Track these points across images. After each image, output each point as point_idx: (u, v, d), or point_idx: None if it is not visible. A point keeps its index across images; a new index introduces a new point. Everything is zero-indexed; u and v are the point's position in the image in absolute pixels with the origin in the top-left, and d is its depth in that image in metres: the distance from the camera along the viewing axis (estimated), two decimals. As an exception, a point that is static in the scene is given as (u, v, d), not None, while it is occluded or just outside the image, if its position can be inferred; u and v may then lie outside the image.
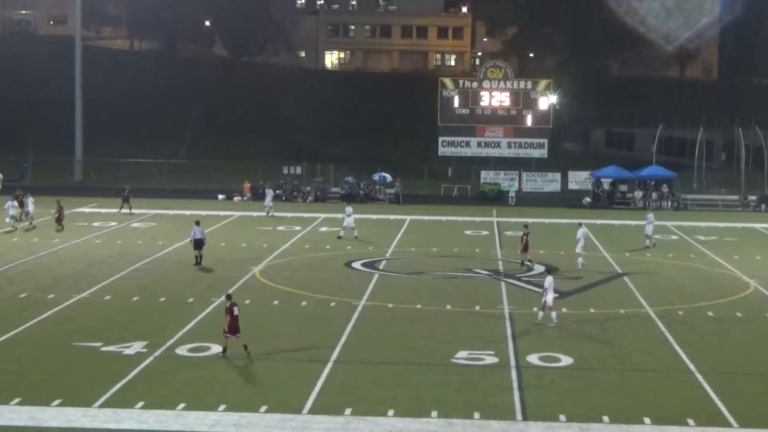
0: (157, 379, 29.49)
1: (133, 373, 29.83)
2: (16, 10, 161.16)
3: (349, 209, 59.39)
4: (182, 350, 32.50)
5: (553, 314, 37.25)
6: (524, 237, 50.90)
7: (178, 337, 34.02)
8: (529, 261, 50.11)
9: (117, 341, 33.26)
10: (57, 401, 26.97)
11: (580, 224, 52.07)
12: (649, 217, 57.46)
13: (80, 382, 28.88)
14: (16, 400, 26.97)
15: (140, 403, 26.94)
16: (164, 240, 56.32)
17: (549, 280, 37.47)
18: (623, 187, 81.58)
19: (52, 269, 47.10)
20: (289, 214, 69.39)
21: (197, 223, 49.95)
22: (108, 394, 27.72)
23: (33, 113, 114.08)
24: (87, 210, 69.88)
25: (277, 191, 79.58)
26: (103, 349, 32.50)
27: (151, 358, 31.50)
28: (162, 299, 40.51)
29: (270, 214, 68.25)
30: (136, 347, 32.56)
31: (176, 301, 40.19)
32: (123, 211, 67.37)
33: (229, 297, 32.92)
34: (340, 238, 57.94)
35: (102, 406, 26.84)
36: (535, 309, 38.51)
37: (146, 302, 40.11)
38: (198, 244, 48.92)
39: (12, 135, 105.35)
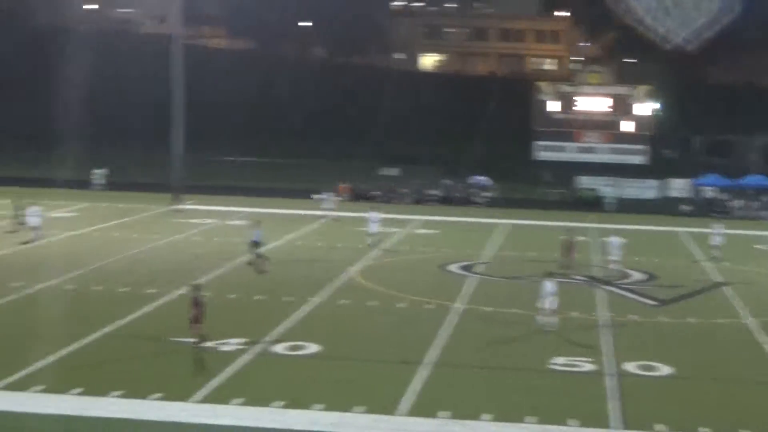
0: (253, 377, 29.68)
1: (230, 370, 30.07)
2: (118, 9, 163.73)
3: (374, 215, 56.82)
4: (279, 348, 32.68)
5: (552, 320, 36.69)
6: (569, 244, 50.09)
7: (275, 335, 34.22)
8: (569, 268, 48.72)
9: (214, 337, 33.53)
10: (156, 395, 27.27)
11: (611, 235, 51.68)
12: (716, 228, 55.85)
13: (178, 377, 29.18)
14: (117, 392, 27.32)
15: (237, 400, 27.10)
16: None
17: (549, 285, 36.82)
18: (724, 196, 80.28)
19: (150, 265, 47.71)
20: (386, 216, 69.37)
21: (256, 224, 49.96)
22: (205, 390, 27.95)
23: (133, 111, 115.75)
24: (186, 207, 70.67)
25: (376, 192, 79.61)
26: (201, 344, 32.80)
27: (248, 355, 31.72)
28: (258, 297, 40.77)
29: (330, 216, 66.93)
30: (234, 344, 32.79)
31: (273, 299, 40.43)
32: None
33: (196, 288, 33.26)
34: (369, 245, 55.53)
35: (199, 401, 27.07)
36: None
37: (243, 299, 40.43)
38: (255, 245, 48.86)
39: (113, 132, 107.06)
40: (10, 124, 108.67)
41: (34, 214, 53.38)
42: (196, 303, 32.33)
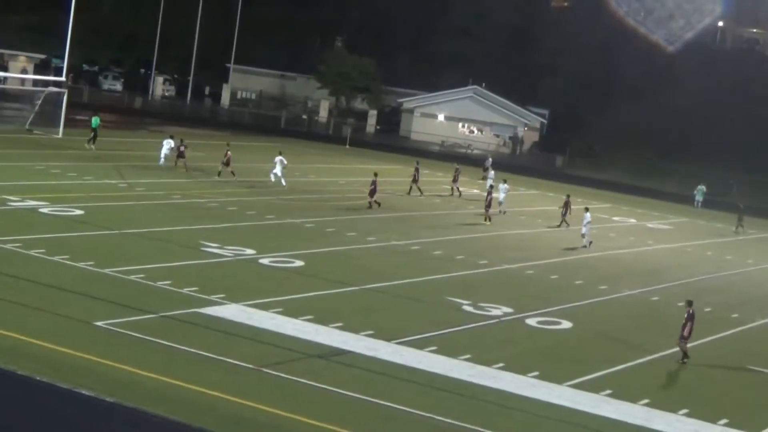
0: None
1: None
2: (748, 28, 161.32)
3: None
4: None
5: None
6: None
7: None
8: None
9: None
10: (723, 421, 26.50)
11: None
12: None
13: (749, 407, 28.27)
14: (684, 411, 26.89)
15: (808, 442, 25.79)
16: None
17: None
18: None
19: (740, 288, 46.70)
20: None
21: None
22: (772, 425, 26.87)
23: (749, 133, 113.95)
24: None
25: None
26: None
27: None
28: None
29: None
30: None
31: None
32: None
33: (689, 303, 31.92)
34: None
35: (768, 436, 26.08)
36: None
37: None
38: None
39: (730, 151, 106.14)
40: (622, 132, 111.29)
41: (586, 220, 53.01)
42: (689, 318, 31.58)
